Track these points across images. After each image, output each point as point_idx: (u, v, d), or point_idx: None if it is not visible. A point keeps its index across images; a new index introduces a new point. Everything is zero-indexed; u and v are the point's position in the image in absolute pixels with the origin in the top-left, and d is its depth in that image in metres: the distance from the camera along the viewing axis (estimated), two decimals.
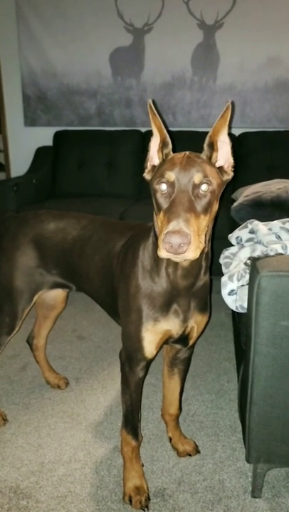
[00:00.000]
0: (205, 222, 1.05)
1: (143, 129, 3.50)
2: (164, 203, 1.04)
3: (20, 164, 3.80)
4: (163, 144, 1.14)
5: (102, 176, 3.49)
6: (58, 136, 3.62)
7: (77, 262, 1.50)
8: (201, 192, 1.04)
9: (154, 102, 1.14)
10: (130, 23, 3.44)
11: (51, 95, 3.71)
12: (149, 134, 1.17)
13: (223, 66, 3.47)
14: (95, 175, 3.49)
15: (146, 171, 1.17)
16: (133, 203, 3.20)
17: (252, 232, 1.63)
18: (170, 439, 1.60)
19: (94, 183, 3.48)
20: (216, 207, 1.11)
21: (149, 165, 1.17)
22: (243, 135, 3.36)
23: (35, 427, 1.70)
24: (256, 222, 1.63)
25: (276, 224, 1.59)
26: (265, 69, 3.39)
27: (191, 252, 0.97)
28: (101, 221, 1.55)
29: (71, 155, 3.54)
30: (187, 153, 1.10)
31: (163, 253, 0.98)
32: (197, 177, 1.04)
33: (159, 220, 1.05)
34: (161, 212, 1.03)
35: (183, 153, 1.10)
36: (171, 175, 1.04)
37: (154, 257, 1.22)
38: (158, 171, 1.10)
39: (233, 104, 1.16)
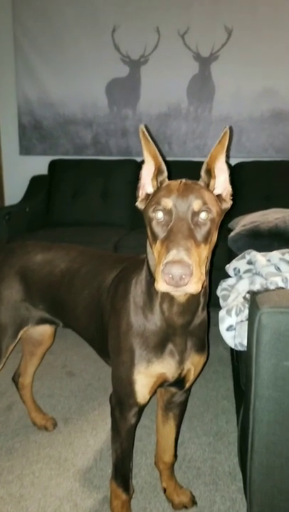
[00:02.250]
0: (205, 252, 0.97)
1: (139, 159, 3.48)
2: (161, 232, 0.96)
3: (14, 193, 3.75)
4: (158, 171, 1.07)
5: (96, 206, 3.45)
6: (53, 165, 3.61)
7: (65, 296, 1.40)
8: (200, 220, 0.97)
9: (146, 127, 1.08)
10: (127, 55, 3.48)
11: (47, 124, 3.71)
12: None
13: (218, 97, 3.49)
14: (90, 204, 3.45)
15: (139, 199, 1.10)
16: (128, 232, 3.14)
17: (250, 262, 1.56)
18: (164, 490, 1.47)
19: (88, 213, 3.44)
20: (215, 236, 1.04)
21: (141, 193, 1.10)
22: (240, 165, 3.34)
23: (18, 474, 1.57)
24: (254, 252, 1.57)
25: (275, 255, 1.52)
26: (260, 99, 3.40)
27: (193, 285, 0.88)
28: (91, 253, 1.47)
29: (66, 184, 3.51)
30: (184, 180, 1.04)
31: (162, 286, 0.89)
32: (196, 204, 0.97)
33: (155, 250, 0.97)
34: (158, 242, 0.96)
35: (179, 181, 1.04)
36: (168, 202, 0.97)
37: (147, 291, 1.13)
38: (153, 198, 1.02)
39: (231, 129, 1.10)
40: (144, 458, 1.66)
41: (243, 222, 2.04)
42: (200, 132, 3.59)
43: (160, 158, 1.07)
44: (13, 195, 3.75)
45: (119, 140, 3.70)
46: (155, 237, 0.97)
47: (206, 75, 3.46)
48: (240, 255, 1.62)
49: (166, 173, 1.07)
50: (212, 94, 3.50)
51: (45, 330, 1.69)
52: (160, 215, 0.97)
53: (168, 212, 0.96)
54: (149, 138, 1.05)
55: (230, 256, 1.83)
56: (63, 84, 3.59)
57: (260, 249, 1.66)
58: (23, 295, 1.47)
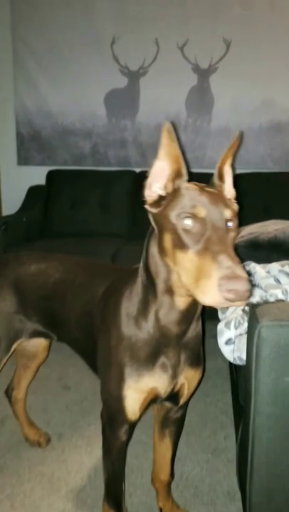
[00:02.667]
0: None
1: (137, 170, 3.47)
2: (193, 242, 0.89)
3: (12, 203, 3.72)
4: (177, 175, 0.99)
5: (94, 216, 3.42)
6: (50, 175, 3.58)
7: (58, 308, 1.36)
8: (229, 229, 0.93)
9: (173, 125, 0.99)
10: (125, 66, 3.48)
11: (45, 134, 3.69)
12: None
13: (217, 108, 3.49)
14: (88, 215, 3.42)
15: (150, 201, 1.01)
16: (126, 243, 3.11)
17: (249, 274, 1.53)
18: (160, 510, 1.41)
19: (86, 223, 3.41)
20: None
21: (149, 194, 1.01)
22: (238, 176, 3.29)
23: (8, 494, 1.51)
24: (253, 264, 1.54)
25: (274, 266, 1.49)
26: (259, 111, 3.40)
27: (247, 298, 0.84)
28: (85, 263, 1.43)
29: (64, 194, 3.48)
30: (198, 184, 0.99)
31: (216, 299, 0.82)
32: (227, 212, 0.93)
33: (186, 259, 0.90)
34: (191, 252, 0.88)
35: (199, 185, 0.98)
36: (201, 209, 0.91)
37: (143, 299, 1.08)
38: (176, 203, 0.94)
39: (242, 134, 1.09)
40: (140, 476, 1.60)
41: (242, 234, 2.01)
42: (199, 143, 3.58)
43: (182, 161, 0.99)
44: (11, 205, 3.72)
45: (118, 151, 3.68)
46: (183, 246, 0.90)
47: (205, 87, 3.46)
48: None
49: (186, 177, 1.00)
50: (211, 105, 3.49)
51: (40, 343, 1.65)
52: (189, 222, 0.90)
53: (201, 220, 0.90)
54: (174, 137, 0.97)
55: None
56: (62, 94, 3.58)
57: (259, 261, 1.63)
58: (17, 307, 1.43)
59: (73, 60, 3.51)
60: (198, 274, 0.86)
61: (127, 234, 3.35)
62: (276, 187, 3.26)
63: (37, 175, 3.66)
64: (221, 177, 1.06)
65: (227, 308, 1.48)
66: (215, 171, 1.06)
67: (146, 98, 3.53)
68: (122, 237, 3.29)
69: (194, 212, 0.91)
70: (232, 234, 0.93)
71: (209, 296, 0.83)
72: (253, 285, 1.34)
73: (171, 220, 0.93)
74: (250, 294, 0.82)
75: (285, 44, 3.28)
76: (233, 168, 1.12)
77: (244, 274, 0.82)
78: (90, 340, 1.27)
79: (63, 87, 3.57)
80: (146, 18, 3.36)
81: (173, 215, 0.93)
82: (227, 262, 0.82)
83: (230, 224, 0.93)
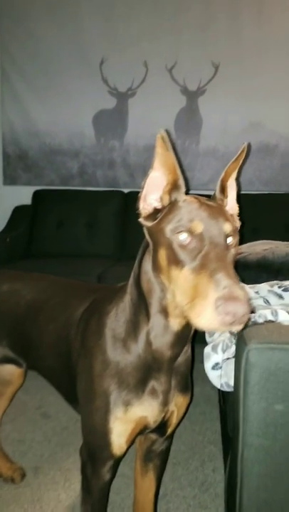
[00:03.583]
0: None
1: (126, 190, 3.43)
2: (189, 258, 0.82)
3: None
4: (173, 186, 0.93)
5: (81, 236, 3.36)
6: (37, 195, 3.53)
7: (30, 332, 1.26)
8: (229, 245, 0.86)
9: (168, 133, 0.92)
10: (114, 87, 3.48)
11: (32, 154, 3.65)
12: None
13: (205, 130, 3.49)
14: (75, 235, 3.36)
15: (144, 214, 0.94)
16: (113, 263, 3.04)
17: None
18: None
19: (73, 243, 3.35)
20: None
21: (144, 207, 0.94)
22: None
23: None
24: (242, 284, 1.47)
25: (263, 287, 1.43)
26: (247, 133, 3.40)
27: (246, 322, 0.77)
28: (62, 283, 1.33)
29: (50, 214, 3.43)
30: (198, 197, 0.92)
31: (212, 322, 0.75)
32: (227, 227, 0.86)
33: (180, 277, 0.83)
34: (186, 269, 0.82)
35: (197, 198, 0.92)
36: (198, 224, 0.84)
37: (132, 319, 0.99)
38: (172, 217, 0.88)
39: (249, 146, 1.02)
40: None
41: None
42: (188, 165, 3.56)
43: (179, 172, 0.93)
44: None
45: (106, 171, 3.65)
46: (178, 262, 0.83)
47: (194, 109, 3.46)
48: None
49: (183, 190, 0.93)
50: (199, 127, 3.50)
51: (15, 368, 1.54)
52: (185, 237, 0.84)
53: (198, 236, 0.84)
54: (170, 146, 0.91)
55: None
56: (50, 114, 3.55)
57: (247, 282, 1.58)
58: None
59: (62, 80, 3.50)
60: (194, 294, 0.79)
61: (114, 255, 3.29)
62: (264, 209, 3.25)
63: (23, 195, 3.60)
64: (223, 190, 1.00)
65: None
66: (217, 184, 1.00)
67: (134, 119, 3.52)
68: (109, 257, 3.23)
69: (191, 226, 0.84)
70: (232, 251, 0.87)
71: (205, 318, 0.75)
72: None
73: (166, 235, 0.87)
74: (247, 317, 0.75)
75: (273, 67, 3.31)
76: (238, 182, 1.06)
77: (244, 295, 0.74)
78: (67, 367, 1.16)
79: (51, 106, 3.55)
80: (135, 39, 3.38)
81: (168, 230, 0.87)
82: (225, 281, 0.75)
83: (230, 240, 0.87)
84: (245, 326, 1.08)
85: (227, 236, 0.86)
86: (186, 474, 1.71)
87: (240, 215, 1.05)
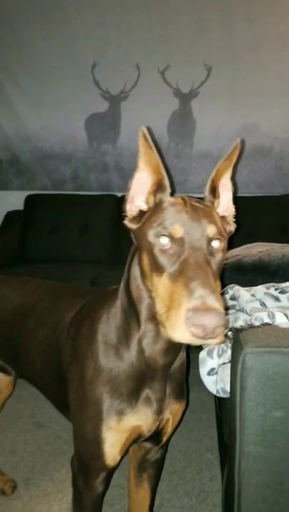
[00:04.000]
0: (219, 288, 0.78)
1: (119, 194, 3.40)
2: (169, 264, 0.78)
3: None
4: (158, 187, 0.89)
5: (75, 241, 3.32)
6: (29, 200, 3.49)
7: (17, 338, 1.21)
8: (213, 249, 0.81)
9: (149, 130, 0.89)
10: (106, 91, 3.45)
11: (24, 159, 3.61)
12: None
13: (199, 133, 3.46)
14: (68, 240, 3.32)
15: (130, 216, 0.91)
16: (107, 268, 3.00)
17: (233, 298, 1.43)
18: None
19: (66, 249, 3.29)
20: None
21: (130, 208, 0.91)
22: None
23: None
24: (237, 287, 1.44)
25: (260, 289, 1.39)
26: (241, 135, 3.30)
27: (222, 335, 0.71)
28: (50, 287, 1.29)
29: (43, 219, 3.38)
30: (186, 198, 0.88)
31: (184, 336, 0.70)
32: (211, 230, 0.81)
33: (160, 284, 0.78)
34: (165, 276, 0.77)
35: (183, 198, 0.87)
36: (178, 228, 0.80)
37: (123, 325, 0.95)
38: (154, 219, 0.84)
39: (242, 143, 0.97)
40: None
41: (226, 256, 1.92)
42: (181, 168, 3.54)
43: (163, 171, 0.89)
44: None
45: (99, 175, 3.61)
46: (158, 268, 0.79)
47: (187, 111, 3.44)
48: (222, 290, 1.48)
49: (169, 190, 0.89)
50: (193, 130, 3.47)
51: (3, 376, 1.49)
52: (165, 241, 0.80)
53: (178, 240, 0.80)
54: (152, 144, 0.87)
55: None
56: (41, 118, 3.51)
57: (243, 284, 1.54)
58: None
59: (53, 83, 3.46)
60: (170, 303, 0.74)
61: (107, 259, 3.24)
62: (259, 211, 3.22)
63: (15, 200, 3.55)
64: (213, 191, 0.94)
65: None
66: (207, 184, 0.94)
67: (127, 122, 3.48)
68: (103, 262, 3.18)
69: (171, 230, 0.80)
70: (217, 256, 0.82)
71: (177, 331, 0.70)
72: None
73: (148, 239, 0.83)
74: (220, 331, 0.69)
75: (266, 68, 3.28)
76: (234, 182, 1.00)
77: (217, 306, 0.69)
78: (57, 374, 1.12)
79: (43, 111, 3.51)
80: (127, 42, 3.35)
81: (150, 233, 0.83)
82: (200, 291, 0.70)
83: (216, 244, 0.82)
84: (235, 330, 1.05)
85: (210, 240, 0.81)
86: (183, 483, 1.66)
87: (236, 217, 1.01)
